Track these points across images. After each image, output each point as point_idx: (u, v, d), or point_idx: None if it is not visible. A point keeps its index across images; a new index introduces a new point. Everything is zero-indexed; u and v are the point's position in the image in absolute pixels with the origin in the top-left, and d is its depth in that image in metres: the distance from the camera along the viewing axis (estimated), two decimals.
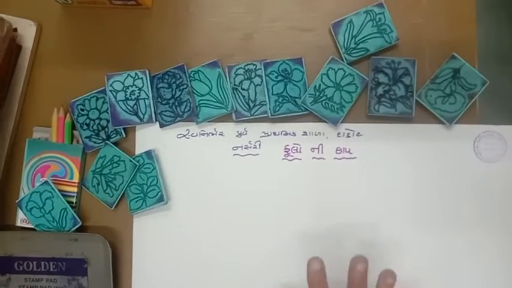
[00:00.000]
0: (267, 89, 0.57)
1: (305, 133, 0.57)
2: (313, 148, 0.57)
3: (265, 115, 0.57)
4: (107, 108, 0.58)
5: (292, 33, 0.58)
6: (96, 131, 0.58)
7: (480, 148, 0.55)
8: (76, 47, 0.60)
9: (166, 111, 0.58)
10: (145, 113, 0.57)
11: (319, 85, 0.56)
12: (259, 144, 0.57)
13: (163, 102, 0.58)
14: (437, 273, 0.55)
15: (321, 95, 0.56)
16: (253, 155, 0.57)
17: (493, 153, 0.55)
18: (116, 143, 0.58)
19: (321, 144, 0.57)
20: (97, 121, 0.58)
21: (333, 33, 0.56)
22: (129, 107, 0.57)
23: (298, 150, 0.57)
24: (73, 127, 0.59)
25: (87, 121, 0.58)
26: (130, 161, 0.57)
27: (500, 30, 1.12)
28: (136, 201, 0.57)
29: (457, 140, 0.56)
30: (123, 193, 0.57)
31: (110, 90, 0.58)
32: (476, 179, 0.55)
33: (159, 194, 0.57)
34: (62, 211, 0.57)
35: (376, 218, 0.56)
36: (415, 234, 0.55)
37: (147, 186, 0.57)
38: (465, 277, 0.55)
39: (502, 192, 0.55)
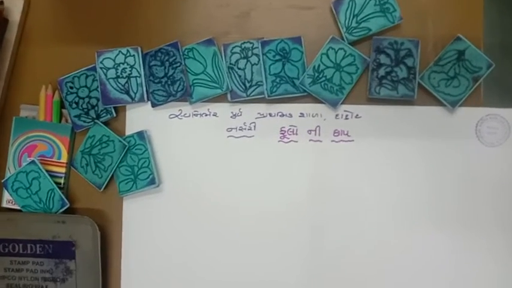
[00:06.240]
0: (264, 68, 0.55)
1: (302, 114, 0.55)
2: (310, 130, 0.55)
3: (262, 96, 0.55)
4: (97, 86, 0.56)
5: (291, 11, 0.56)
6: (85, 110, 0.56)
7: (482, 131, 0.54)
8: (66, 21, 0.58)
9: (158, 90, 0.55)
10: (136, 91, 0.55)
11: (319, 65, 0.54)
12: (254, 126, 0.55)
13: (156, 81, 0.56)
14: (439, 259, 0.54)
15: (320, 76, 0.54)
16: (248, 136, 0.55)
17: (496, 136, 0.53)
18: (105, 123, 0.56)
19: (318, 126, 0.55)
20: (86, 99, 0.56)
21: (334, 12, 0.54)
22: (120, 85, 0.55)
23: (295, 132, 0.55)
24: (62, 105, 0.56)
25: (76, 99, 0.56)
26: (120, 141, 0.55)
27: (504, 15, 1.10)
28: (126, 183, 0.55)
29: (458, 122, 0.54)
30: (113, 174, 0.55)
31: (100, 68, 0.55)
32: (478, 162, 0.54)
33: (151, 176, 0.55)
34: (49, 192, 0.55)
35: (373, 201, 0.54)
36: (414, 217, 0.54)
37: (138, 168, 0.55)
38: (470, 260, 0.53)
39: (503, 176, 0.53)
